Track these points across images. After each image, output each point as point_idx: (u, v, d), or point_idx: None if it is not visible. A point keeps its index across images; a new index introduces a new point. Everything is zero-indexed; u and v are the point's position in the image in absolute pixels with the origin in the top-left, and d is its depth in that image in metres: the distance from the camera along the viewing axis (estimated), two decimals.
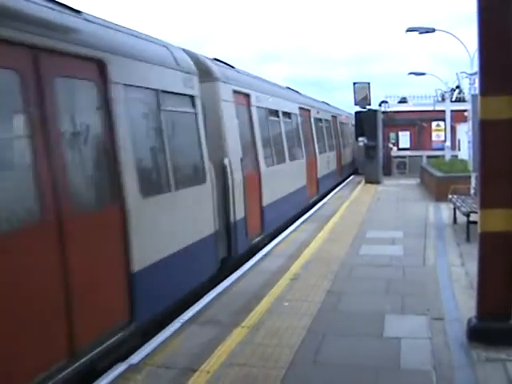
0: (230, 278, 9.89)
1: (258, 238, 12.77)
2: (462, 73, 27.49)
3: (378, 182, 26.75)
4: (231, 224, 10.96)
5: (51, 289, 5.59)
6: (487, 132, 6.61)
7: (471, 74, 22.13)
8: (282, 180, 15.43)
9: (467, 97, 28.74)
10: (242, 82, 13.22)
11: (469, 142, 17.99)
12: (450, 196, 15.46)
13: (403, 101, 49.83)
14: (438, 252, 11.60)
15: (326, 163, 24.17)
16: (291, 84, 20.90)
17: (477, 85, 7.70)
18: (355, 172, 33.11)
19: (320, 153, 22.57)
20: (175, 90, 9.05)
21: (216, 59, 12.39)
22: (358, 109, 31.31)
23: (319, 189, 21.70)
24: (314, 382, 5.93)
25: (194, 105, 9.67)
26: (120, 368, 6.19)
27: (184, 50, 10.10)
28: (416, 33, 24.14)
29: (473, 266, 7.46)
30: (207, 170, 9.78)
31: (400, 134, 38.42)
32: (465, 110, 23.70)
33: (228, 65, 13.04)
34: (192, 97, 9.65)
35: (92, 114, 6.86)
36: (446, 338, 6.88)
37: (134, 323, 6.96)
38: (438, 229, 14.29)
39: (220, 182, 10.55)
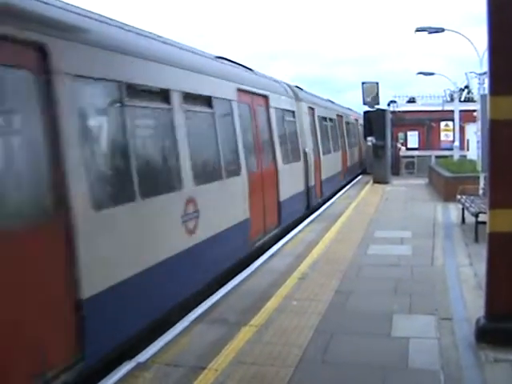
0: (237, 276, 9.91)
1: (319, 200, 19.44)
2: (471, 73, 27.53)
3: (386, 182, 26.65)
4: (309, 188, 17.60)
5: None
6: (497, 132, 6.59)
7: (480, 74, 22.12)
8: (329, 164, 22.31)
9: (476, 97, 28.67)
10: (310, 100, 20.43)
11: (477, 142, 17.92)
12: (458, 196, 15.42)
13: (412, 101, 49.70)
14: (447, 252, 11.58)
15: (352, 156, 30.59)
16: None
17: (486, 85, 7.70)
18: (364, 172, 33.06)
19: (349, 148, 28.96)
20: (288, 108, 16.17)
21: (296, 86, 19.33)
22: (366, 108, 31.26)
23: (346, 176, 27.52)
24: (322, 381, 5.94)
25: (294, 116, 16.91)
26: (128, 366, 6.22)
27: (285, 83, 17.69)
28: (425, 33, 24.13)
29: (481, 267, 7.45)
30: (301, 153, 16.96)
31: (408, 133, 38.30)
32: (474, 110, 23.59)
33: (300, 88, 19.82)
34: (293, 111, 16.89)
35: (266, 123, 13.70)
36: (454, 338, 6.87)
37: (267, 235, 12.73)
38: (446, 229, 14.26)
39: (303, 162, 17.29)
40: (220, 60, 11.97)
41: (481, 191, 15.65)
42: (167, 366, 6.25)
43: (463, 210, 14.56)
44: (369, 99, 32.25)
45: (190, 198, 8.44)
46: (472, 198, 14.66)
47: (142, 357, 6.46)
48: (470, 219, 13.61)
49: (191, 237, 8.43)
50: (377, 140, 27.59)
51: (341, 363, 6.35)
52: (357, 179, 30.24)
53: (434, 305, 8.11)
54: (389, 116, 28.82)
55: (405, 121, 36.53)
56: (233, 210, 10.54)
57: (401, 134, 37.41)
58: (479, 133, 16.61)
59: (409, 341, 6.79)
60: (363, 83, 32.82)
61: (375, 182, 27.06)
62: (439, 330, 7.15)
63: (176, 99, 8.37)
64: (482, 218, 11.76)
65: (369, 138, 29.32)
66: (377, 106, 31.38)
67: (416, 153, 33.95)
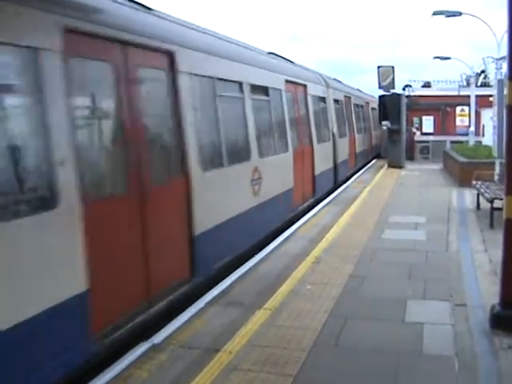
0: (252, 259, 9.93)
1: (353, 170, 24.44)
2: (488, 57, 27.22)
3: (400, 167, 26.53)
4: (337, 164, 20.82)
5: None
6: None
7: (498, 59, 21.89)
8: (362, 141, 28.04)
9: (493, 82, 28.38)
10: (345, 90, 24.99)
11: (493, 127, 17.85)
12: (473, 182, 15.33)
13: (427, 85, 49.26)
14: (461, 238, 11.54)
15: (376, 137, 34.88)
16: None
17: (503, 69, 7.64)
18: (378, 156, 32.96)
19: (373, 130, 33.82)
20: (321, 95, 18.64)
21: (334, 79, 23.89)
22: (382, 92, 31.10)
23: (372, 151, 32.84)
24: (336, 364, 5.96)
25: (326, 102, 19.60)
26: (143, 347, 6.27)
27: (318, 72, 20.19)
28: (442, 16, 23.86)
29: (496, 253, 7.44)
30: (331, 134, 19.78)
31: (424, 118, 38.03)
32: (490, 95, 23.49)
33: (336, 80, 24.79)
34: (325, 98, 19.42)
35: (305, 109, 16.09)
36: (468, 324, 6.87)
37: (315, 195, 16.22)
38: (461, 214, 14.20)
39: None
40: (271, 55, 14.47)
41: (496, 177, 15.59)
42: (182, 348, 6.30)
43: (478, 195, 14.48)
44: (384, 83, 32.05)
45: (255, 167, 10.98)
46: (487, 183, 14.59)
47: (157, 338, 6.51)
48: (485, 205, 13.54)
49: (256, 197, 11.03)
50: (392, 124, 27.46)
51: (354, 348, 6.36)
52: (371, 163, 30.44)
53: (448, 291, 8.09)
54: (404, 100, 28.62)
55: (420, 105, 36.28)
56: (282, 180, 13.13)
57: (416, 119, 37.17)
58: (495, 118, 16.56)
59: (423, 326, 6.80)
60: (379, 67, 32.65)
61: (390, 166, 26.96)
62: (454, 316, 7.14)
63: (246, 90, 10.94)
64: (497, 203, 11.73)
65: (384, 123, 29.19)
66: (392, 90, 31.17)
67: (431, 138, 33.71)
